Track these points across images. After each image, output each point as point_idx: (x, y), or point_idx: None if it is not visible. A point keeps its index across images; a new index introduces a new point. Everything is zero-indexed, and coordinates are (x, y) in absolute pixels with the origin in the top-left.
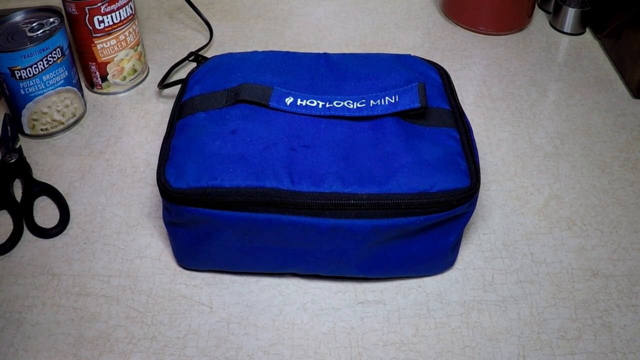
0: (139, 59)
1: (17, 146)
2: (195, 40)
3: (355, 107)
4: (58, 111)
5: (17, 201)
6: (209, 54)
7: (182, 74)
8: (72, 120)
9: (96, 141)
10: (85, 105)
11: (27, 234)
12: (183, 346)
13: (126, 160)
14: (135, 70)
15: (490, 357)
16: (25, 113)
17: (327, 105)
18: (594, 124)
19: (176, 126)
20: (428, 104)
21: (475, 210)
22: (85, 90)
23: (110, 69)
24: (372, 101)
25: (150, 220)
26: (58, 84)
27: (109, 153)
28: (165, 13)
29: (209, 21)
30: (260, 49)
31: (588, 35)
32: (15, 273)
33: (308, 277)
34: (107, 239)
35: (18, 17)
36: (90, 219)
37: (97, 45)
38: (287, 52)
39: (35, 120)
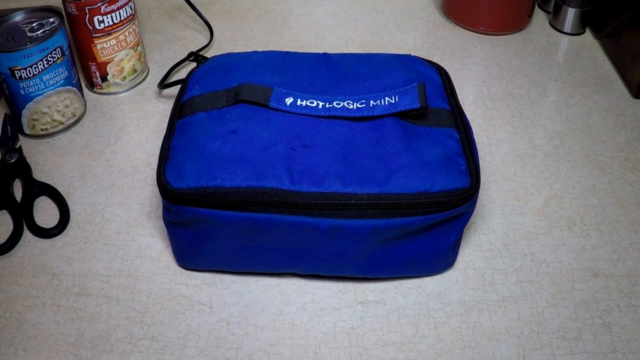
0: (139, 59)
1: (17, 146)
2: (195, 40)
3: (355, 107)
4: (58, 111)
5: (17, 201)
6: (209, 54)
7: (182, 74)
8: (72, 120)
9: (96, 141)
10: (85, 105)
11: (27, 234)
12: (183, 346)
13: (126, 160)
14: (135, 70)
15: (490, 357)
16: (25, 113)
17: (327, 106)
18: (594, 124)
19: (176, 126)
20: (428, 104)
21: (475, 210)
22: (85, 90)
23: (110, 69)
24: (372, 101)
25: (150, 220)
26: (58, 84)
27: (109, 153)
28: (165, 13)
29: (209, 21)
30: (260, 49)
31: (588, 35)
32: (15, 273)
33: (308, 277)
34: (107, 239)
35: (18, 17)
36: (90, 219)
37: (97, 45)
38: (287, 52)
39: (35, 120)
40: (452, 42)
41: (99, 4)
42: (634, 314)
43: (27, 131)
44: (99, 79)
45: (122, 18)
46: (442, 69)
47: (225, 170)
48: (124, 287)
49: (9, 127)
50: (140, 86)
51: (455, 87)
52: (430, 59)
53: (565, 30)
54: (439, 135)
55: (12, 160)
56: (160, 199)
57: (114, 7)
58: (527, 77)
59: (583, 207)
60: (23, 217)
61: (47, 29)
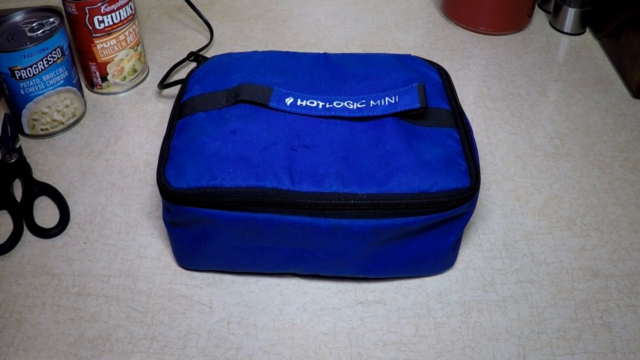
0: (139, 59)
1: (17, 146)
2: (195, 40)
3: (355, 107)
4: (58, 111)
5: (17, 201)
6: (209, 54)
7: (182, 74)
8: (72, 120)
9: (96, 141)
10: (85, 105)
11: (27, 234)
12: (183, 346)
13: (126, 160)
14: (135, 70)
15: (490, 357)
16: (25, 113)
17: (327, 106)
18: (594, 124)
19: (176, 126)
20: (428, 104)
21: (475, 210)
22: (85, 90)
23: (110, 69)
24: (372, 101)
25: (150, 220)
26: (58, 84)
27: (109, 153)
28: (165, 13)
29: (209, 21)
30: (260, 49)
31: (588, 35)
32: (15, 273)
33: (308, 277)
34: (107, 239)
35: (18, 17)
36: (90, 219)
37: (97, 45)
38: (287, 52)
39: (35, 120)
40: (452, 42)
41: (99, 4)
42: (634, 314)
43: (27, 131)
44: (99, 79)
45: (122, 18)
46: (442, 69)
47: (225, 170)
48: (124, 287)
49: (9, 127)
50: (140, 86)
51: (455, 87)
52: (430, 59)
53: (565, 30)
54: (439, 135)
55: (12, 160)
56: (160, 199)
57: (114, 7)
58: (527, 77)
59: (583, 207)
60: (23, 217)
61: (47, 29)
